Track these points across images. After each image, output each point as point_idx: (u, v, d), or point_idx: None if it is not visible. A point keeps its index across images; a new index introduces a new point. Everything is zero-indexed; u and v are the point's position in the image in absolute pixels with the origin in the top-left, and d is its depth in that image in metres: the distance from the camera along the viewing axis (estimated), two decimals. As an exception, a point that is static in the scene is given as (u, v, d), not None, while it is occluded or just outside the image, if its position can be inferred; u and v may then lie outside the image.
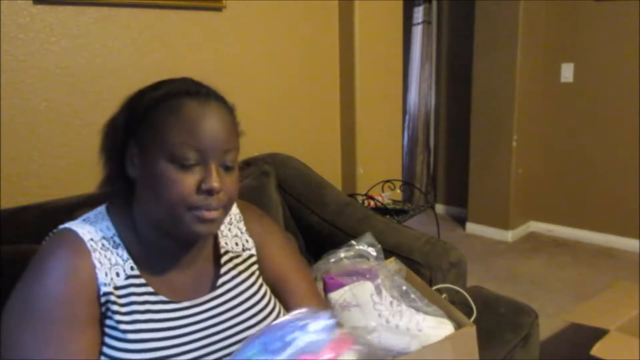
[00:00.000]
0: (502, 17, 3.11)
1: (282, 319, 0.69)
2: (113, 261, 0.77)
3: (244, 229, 0.93)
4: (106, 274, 0.75)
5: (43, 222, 0.85)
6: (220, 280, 0.85)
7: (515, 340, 1.31)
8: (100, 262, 0.75)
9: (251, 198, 1.07)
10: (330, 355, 0.64)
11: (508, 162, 3.25)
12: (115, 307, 0.74)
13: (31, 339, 0.68)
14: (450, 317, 1.05)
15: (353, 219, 1.57)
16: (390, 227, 1.54)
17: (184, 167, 0.72)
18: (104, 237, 0.77)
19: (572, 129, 3.24)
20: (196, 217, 0.73)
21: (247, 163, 1.64)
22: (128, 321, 0.74)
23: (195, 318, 0.79)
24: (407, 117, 3.97)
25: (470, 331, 0.99)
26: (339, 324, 0.69)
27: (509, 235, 3.36)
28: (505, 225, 3.36)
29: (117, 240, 0.78)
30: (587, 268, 2.91)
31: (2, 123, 1.34)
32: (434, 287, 1.33)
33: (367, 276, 1.09)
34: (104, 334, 0.74)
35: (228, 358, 0.75)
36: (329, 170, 2.21)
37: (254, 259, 0.91)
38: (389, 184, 2.31)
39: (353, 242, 1.24)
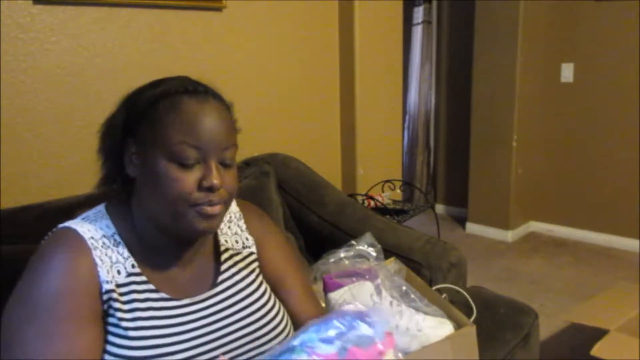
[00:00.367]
0: (502, 17, 3.11)
1: (338, 310, 0.72)
2: (114, 259, 0.77)
3: (244, 227, 0.94)
4: (107, 272, 0.75)
5: (43, 222, 0.85)
6: (221, 278, 0.85)
7: (515, 340, 1.31)
8: (101, 260, 0.75)
9: (251, 198, 1.07)
10: (379, 352, 0.67)
11: (508, 162, 3.25)
12: (117, 305, 0.74)
13: (35, 335, 0.68)
14: (450, 317, 1.05)
15: (353, 219, 1.57)
16: (390, 227, 1.54)
17: (184, 165, 0.72)
18: (104, 236, 0.78)
19: (572, 129, 3.24)
20: (198, 213, 0.74)
21: (247, 163, 1.63)
22: (130, 318, 0.74)
23: (196, 315, 0.80)
24: (407, 117, 3.97)
25: (470, 331, 0.99)
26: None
27: (509, 235, 3.36)
28: (505, 225, 3.36)
29: (118, 238, 0.79)
30: (587, 268, 2.91)
31: (2, 123, 1.34)
32: (434, 287, 1.33)
33: (367, 276, 1.08)
34: (106, 332, 0.74)
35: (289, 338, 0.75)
36: (329, 170, 2.21)
37: (254, 256, 0.92)
38: (389, 184, 2.31)
39: (353, 242, 1.24)
